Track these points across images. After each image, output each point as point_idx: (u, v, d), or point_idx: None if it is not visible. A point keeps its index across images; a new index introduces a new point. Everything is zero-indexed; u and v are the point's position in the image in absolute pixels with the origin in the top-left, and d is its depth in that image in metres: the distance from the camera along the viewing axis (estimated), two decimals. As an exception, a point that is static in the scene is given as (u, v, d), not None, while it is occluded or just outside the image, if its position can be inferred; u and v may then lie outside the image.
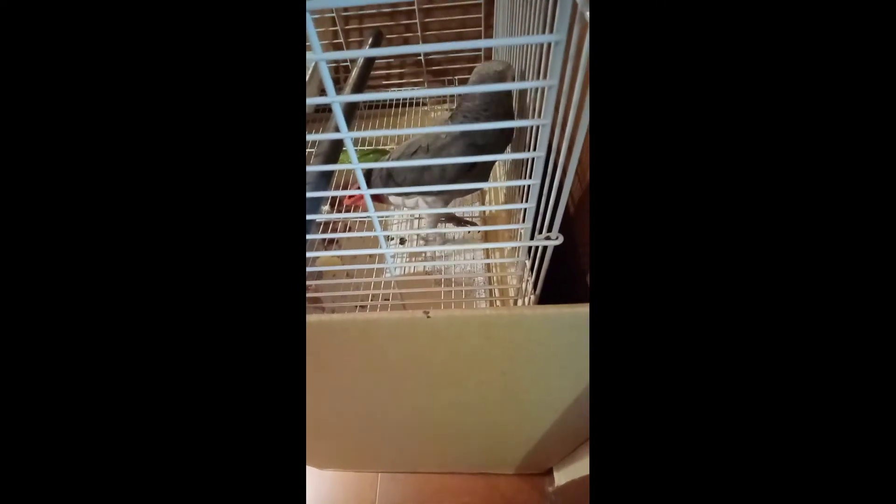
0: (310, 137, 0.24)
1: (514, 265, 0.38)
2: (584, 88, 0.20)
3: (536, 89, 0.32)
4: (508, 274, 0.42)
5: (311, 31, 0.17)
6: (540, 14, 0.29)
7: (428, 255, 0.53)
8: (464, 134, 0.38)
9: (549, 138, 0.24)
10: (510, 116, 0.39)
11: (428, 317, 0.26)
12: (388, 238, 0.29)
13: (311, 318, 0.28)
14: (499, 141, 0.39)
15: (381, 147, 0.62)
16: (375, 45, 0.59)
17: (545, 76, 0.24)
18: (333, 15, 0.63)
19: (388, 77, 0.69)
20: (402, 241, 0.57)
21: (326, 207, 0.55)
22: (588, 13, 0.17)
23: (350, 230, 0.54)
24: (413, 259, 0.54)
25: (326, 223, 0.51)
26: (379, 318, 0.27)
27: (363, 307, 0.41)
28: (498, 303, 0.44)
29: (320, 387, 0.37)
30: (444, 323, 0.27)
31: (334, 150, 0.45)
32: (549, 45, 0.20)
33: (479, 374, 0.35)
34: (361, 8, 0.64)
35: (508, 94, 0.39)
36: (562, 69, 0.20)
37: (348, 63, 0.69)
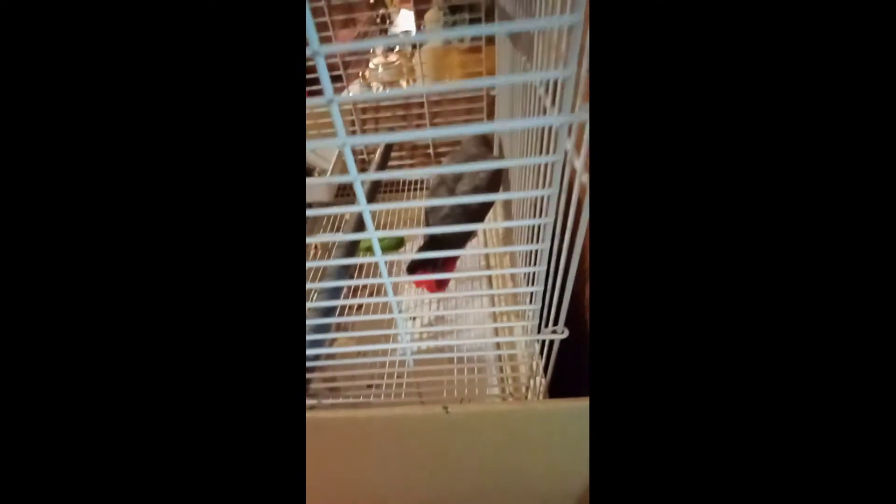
0: (333, 210, 0.26)
1: (523, 354, 0.39)
2: (582, 195, 0.23)
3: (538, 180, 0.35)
4: (519, 353, 0.43)
5: (337, 117, 0.20)
6: (537, 135, 0.33)
7: (440, 324, 0.54)
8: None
9: (552, 233, 0.26)
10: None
11: (447, 412, 0.27)
12: (399, 311, 0.31)
13: (330, 414, 0.29)
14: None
15: (401, 236, 0.66)
16: (386, 152, 0.66)
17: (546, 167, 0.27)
18: (351, 108, 0.71)
19: (401, 167, 0.75)
20: (414, 319, 0.59)
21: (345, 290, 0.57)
22: (587, 177, 0.20)
23: (361, 310, 0.56)
24: (425, 336, 0.55)
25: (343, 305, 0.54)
26: (399, 414, 0.28)
27: (376, 386, 0.42)
28: (510, 381, 0.45)
29: (335, 479, 0.37)
30: (462, 418, 0.28)
31: (359, 229, 0.48)
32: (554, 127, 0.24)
33: (495, 463, 0.35)
34: (377, 105, 0.72)
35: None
36: (561, 178, 0.23)
37: (365, 157, 0.76)
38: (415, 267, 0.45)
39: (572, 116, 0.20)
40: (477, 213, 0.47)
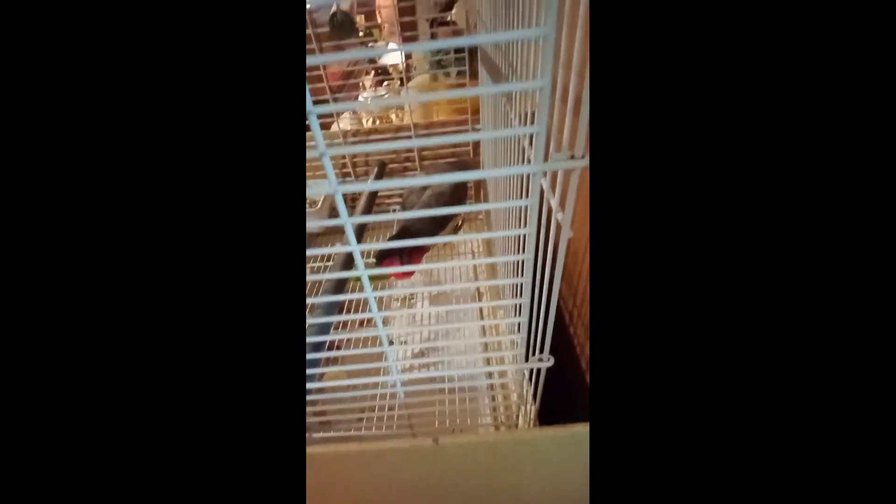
0: (324, 251, 0.27)
1: (514, 382, 0.40)
2: (558, 232, 0.24)
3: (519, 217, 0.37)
4: (510, 381, 0.44)
5: (329, 168, 0.21)
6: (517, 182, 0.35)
7: (431, 354, 0.55)
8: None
9: (534, 262, 0.28)
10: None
11: (437, 444, 0.28)
12: (390, 341, 0.32)
13: (321, 448, 0.29)
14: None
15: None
16: (380, 174, 0.68)
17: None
18: (340, 135, 0.73)
19: (389, 197, 0.77)
20: (405, 344, 0.59)
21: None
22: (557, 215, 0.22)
23: (351, 344, 0.57)
24: (416, 366, 0.56)
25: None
26: (389, 447, 0.29)
27: (367, 418, 0.42)
28: (502, 409, 0.45)
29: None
30: (453, 448, 0.28)
31: (346, 268, 0.49)
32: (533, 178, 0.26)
33: (486, 493, 0.35)
34: (367, 136, 0.75)
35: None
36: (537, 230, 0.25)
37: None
38: (383, 256, 0.51)
39: (546, 165, 0.22)
40: (441, 219, 0.56)
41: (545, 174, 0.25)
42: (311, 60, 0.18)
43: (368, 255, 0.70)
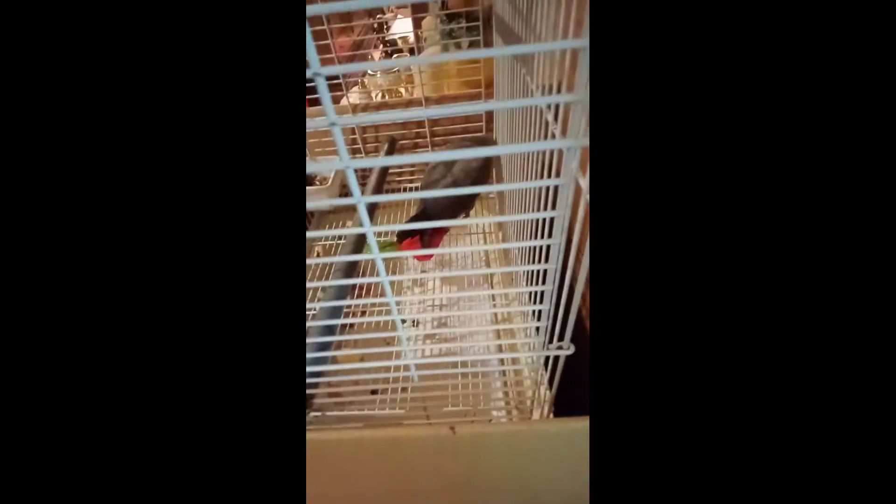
0: (335, 232, 0.27)
1: (529, 367, 0.39)
2: (587, 215, 0.23)
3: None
4: (524, 366, 0.43)
5: (340, 140, 0.19)
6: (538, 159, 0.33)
7: (443, 337, 0.54)
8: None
9: (559, 247, 0.26)
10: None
11: (454, 432, 0.27)
12: (402, 321, 0.31)
13: (334, 434, 0.29)
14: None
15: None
16: (391, 151, 0.65)
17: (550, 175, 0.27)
18: (353, 127, 0.71)
19: (401, 174, 0.75)
20: (416, 324, 0.59)
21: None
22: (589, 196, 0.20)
23: (365, 314, 0.56)
24: (429, 345, 0.55)
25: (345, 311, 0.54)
26: (405, 435, 0.28)
27: (381, 391, 0.42)
28: (514, 394, 0.45)
29: (339, 500, 0.37)
30: (469, 437, 0.28)
31: (358, 247, 0.48)
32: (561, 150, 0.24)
33: (503, 483, 0.34)
34: (378, 110, 0.72)
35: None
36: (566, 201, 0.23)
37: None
38: (404, 236, 0.50)
39: (581, 140, 0.20)
40: (467, 197, 0.54)
41: (576, 150, 0.23)
42: (312, 10, 0.16)
43: (381, 236, 0.69)
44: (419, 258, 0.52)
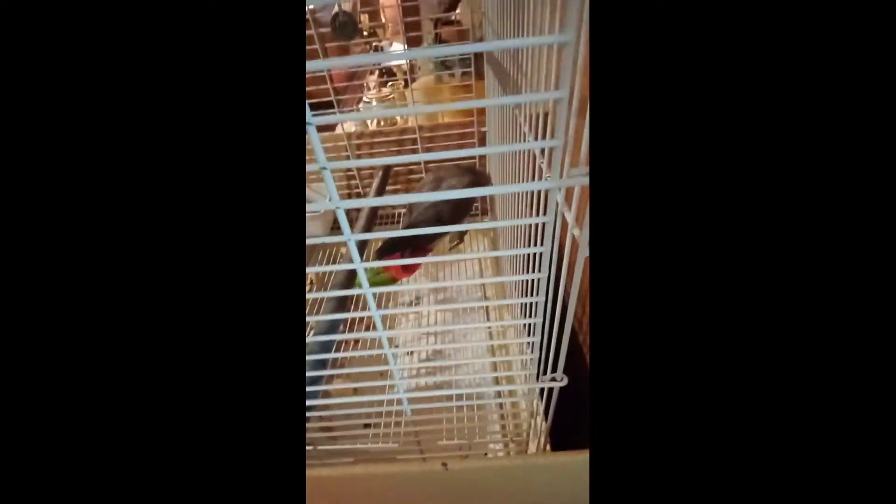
0: (327, 268, 0.27)
1: (524, 399, 0.39)
2: (574, 248, 0.23)
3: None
4: (520, 398, 0.43)
5: (330, 182, 0.20)
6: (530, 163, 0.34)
7: (438, 369, 0.54)
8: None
9: (547, 280, 0.26)
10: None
11: (446, 469, 0.26)
12: (395, 355, 0.31)
13: (327, 471, 0.28)
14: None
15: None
16: (385, 177, 0.66)
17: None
18: (344, 138, 0.72)
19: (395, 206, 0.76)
20: (411, 354, 0.58)
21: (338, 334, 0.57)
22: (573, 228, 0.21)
23: (358, 346, 0.56)
24: (423, 374, 0.55)
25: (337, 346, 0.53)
26: (398, 471, 0.27)
27: (374, 425, 0.41)
28: (511, 426, 0.44)
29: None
30: (461, 473, 0.27)
31: (349, 280, 0.48)
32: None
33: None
34: (372, 138, 0.73)
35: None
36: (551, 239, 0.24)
37: (360, 190, 0.76)
38: (384, 252, 0.51)
39: (563, 181, 0.20)
40: (450, 217, 0.54)
41: (560, 188, 0.24)
42: (312, 66, 0.17)
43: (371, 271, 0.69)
44: (398, 273, 0.53)
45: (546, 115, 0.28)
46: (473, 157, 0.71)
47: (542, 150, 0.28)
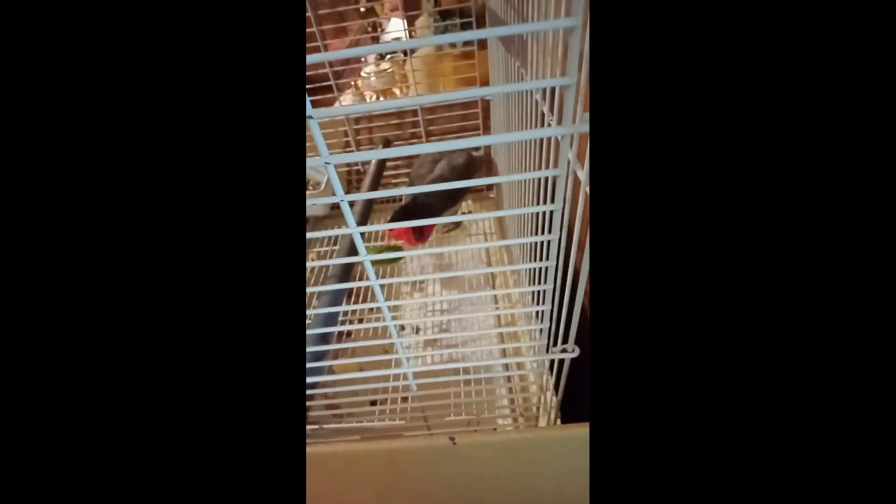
0: (327, 233, 0.26)
1: (533, 371, 0.38)
2: (587, 208, 0.21)
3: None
4: (529, 371, 0.41)
5: (318, 136, 0.19)
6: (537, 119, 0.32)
7: (445, 342, 0.53)
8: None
9: (557, 251, 0.25)
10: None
11: (454, 443, 0.25)
12: (401, 328, 0.30)
13: (332, 447, 0.27)
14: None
15: (393, 244, 0.65)
16: (380, 168, 0.64)
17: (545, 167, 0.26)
18: (343, 119, 0.70)
19: (397, 176, 0.74)
20: (417, 330, 0.57)
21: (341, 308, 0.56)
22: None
23: (361, 334, 0.55)
24: (430, 347, 0.54)
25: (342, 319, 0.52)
26: (404, 446, 0.26)
27: (381, 402, 0.41)
28: (520, 400, 0.43)
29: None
30: (470, 448, 0.26)
31: (351, 252, 0.47)
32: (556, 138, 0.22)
33: (505, 493, 0.33)
34: (370, 116, 0.71)
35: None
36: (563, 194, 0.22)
37: (360, 168, 0.74)
38: (395, 220, 0.50)
39: (575, 127, 0.18)
40: (453, 192, 0.54)
41: (571, 142, 0.22)
42: (312, 59, 0.16)
43: (374, 238, 0.67)
44: (409, 241, 0.52)
45: (554, 74, 0.26)
46: (476, 118, 0.68)
47: (552, 107, 0.26)
